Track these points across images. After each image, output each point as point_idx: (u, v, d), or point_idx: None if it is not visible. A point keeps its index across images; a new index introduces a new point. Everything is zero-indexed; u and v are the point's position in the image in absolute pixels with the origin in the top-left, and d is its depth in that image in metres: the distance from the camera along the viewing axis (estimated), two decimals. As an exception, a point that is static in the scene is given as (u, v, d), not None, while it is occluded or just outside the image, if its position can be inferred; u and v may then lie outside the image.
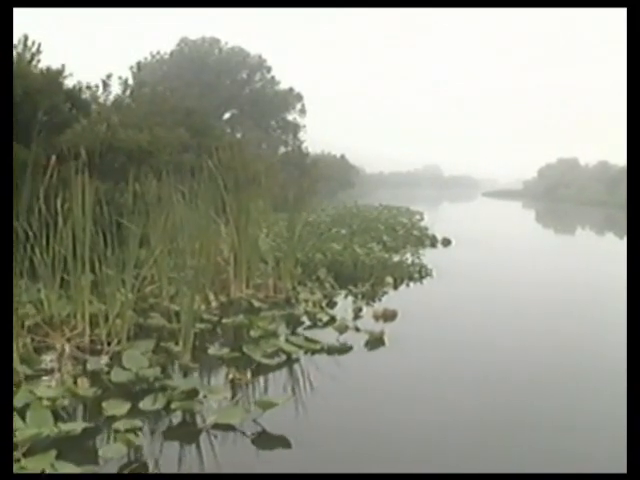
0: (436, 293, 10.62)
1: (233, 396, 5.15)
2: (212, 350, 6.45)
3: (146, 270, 7.98)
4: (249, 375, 5.59)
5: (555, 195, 67.09)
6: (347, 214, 25.30)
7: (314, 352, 6.46)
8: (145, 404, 4.85)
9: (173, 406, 4.76)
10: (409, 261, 12.90)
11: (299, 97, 43.80)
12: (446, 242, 17.95)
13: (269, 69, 44.83)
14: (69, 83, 14.47)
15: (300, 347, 6.53)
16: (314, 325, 7.78)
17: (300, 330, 7.53)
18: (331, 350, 6.54)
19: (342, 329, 7.11)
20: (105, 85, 22.43)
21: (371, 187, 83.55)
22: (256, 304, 8.52)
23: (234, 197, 9.35)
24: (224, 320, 7.57)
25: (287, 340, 6.75)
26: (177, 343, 6.39)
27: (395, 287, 10.81)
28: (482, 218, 36.86)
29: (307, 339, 6.80)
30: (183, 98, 25.00)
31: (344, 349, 6.61)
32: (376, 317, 8.09)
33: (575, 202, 56.62)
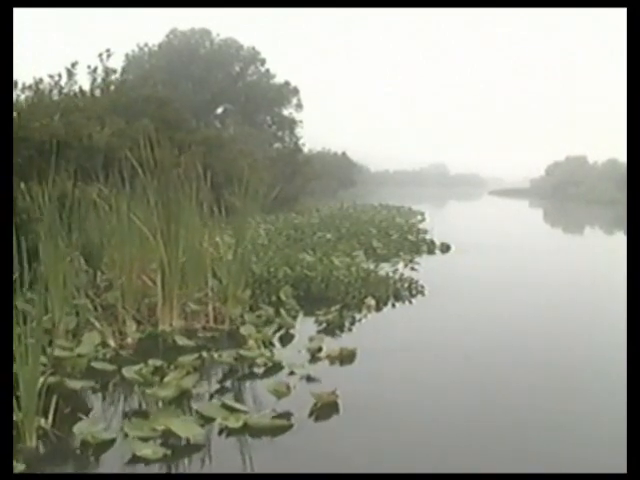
0: (425, 319, 8.46)
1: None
2: (81, 426, 4.34)
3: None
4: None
5: (563, 194, 64.67)
6: (340, 215, 23.19)
7: (232, 432, 4.34)
8: None
9: None
10: (398, 274, 10.72)
11: (295, 91, 41.55)
12: (445, 248, 15.82)
13: (263, 62, 42.54)
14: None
15: (211, 421, 4.44)
16: (250, 374, 5.69)
17: (228, 384, 5.45)
18: (258, 429, 4.38)
19: (281, 392, 4.92)
20: (70, 74, 20.50)
21: (375, 186, 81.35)
22: (181, 342, 6.39)
23: (162, 202, 7.22)
24: (125, 370, 5.46)
25: (196, 410, 4.65)
26: (42, 413, 4.32)
27: (378, 309, 8.72)
28: (487, 219, 34.64)
29: (226, 407, 4.68)
30: (155, 86, 22.92)
31: (278, 427, 4.44)
32: (331, 359, 6.03)
33: (584, 201, 54.18)
